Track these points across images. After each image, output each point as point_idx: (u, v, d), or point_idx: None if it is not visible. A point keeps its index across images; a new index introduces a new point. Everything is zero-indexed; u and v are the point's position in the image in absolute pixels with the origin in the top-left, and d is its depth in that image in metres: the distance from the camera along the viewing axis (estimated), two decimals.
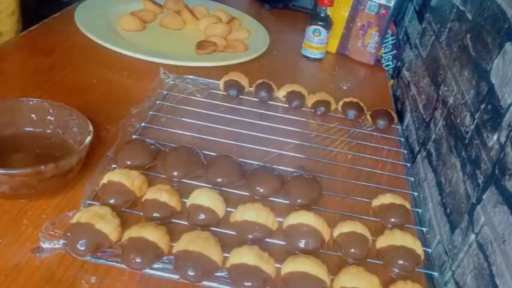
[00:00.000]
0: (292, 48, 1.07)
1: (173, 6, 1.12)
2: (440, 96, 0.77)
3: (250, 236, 0.54)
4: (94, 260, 0.49)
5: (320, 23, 1.00)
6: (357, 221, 0.58)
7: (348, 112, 0.82)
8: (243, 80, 0.84)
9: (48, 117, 0.62)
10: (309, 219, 0.55)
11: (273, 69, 0.97)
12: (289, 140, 0.74)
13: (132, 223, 0.52)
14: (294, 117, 0.81)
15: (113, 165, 0.61)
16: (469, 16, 0.73)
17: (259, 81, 0.84)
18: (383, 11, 0.99)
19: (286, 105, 0.83)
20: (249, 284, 0.48)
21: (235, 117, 0.77)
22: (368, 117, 0.83)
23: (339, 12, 1.04)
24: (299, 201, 0.60)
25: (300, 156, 0.71)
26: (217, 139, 0.70)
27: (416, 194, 0.68)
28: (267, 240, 0.56)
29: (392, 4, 0.98)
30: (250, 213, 0.55)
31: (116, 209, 0.54)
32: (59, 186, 0.56)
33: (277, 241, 0.56)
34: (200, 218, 0.55)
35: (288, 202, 0.61)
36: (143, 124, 0.70)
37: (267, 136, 0.74)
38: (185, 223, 0.55)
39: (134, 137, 0.67)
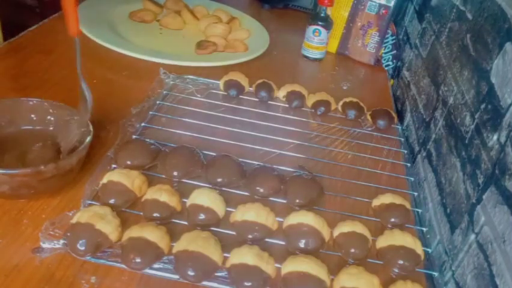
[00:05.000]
0: (292, 48, 1.07)
1: (174, 6, 1.12)
2: (440, 96, 0.77)
3: (250, 236, 0.54)
4: (94, 260, 0.49)
5: (320, 23, 1.00)
6: (357, 221, 0.58)
7: (348, 112, 0.82)
8: (243, 80, 0.83)
9: (48, 117, 0.62)
10: (309, 219, 0.55)
11: (273, 69, 0.97)
12: (289, 140, 0.74)
13: (132, 223, 0.52)
14: (294, 117, 0.81)
15: (113, 165, 0.61)
16: (469, 16, 0.73)
17: (259, 81, 0.84)
18: (383, 11, 0.99)
19: (286, 105, 0.83)
20: (249, 284, 0.48)
21: (235, 117, 0.77)
22: (368, 117, 0.83)
23: (339, 12, 1.04)
24: (297, 201, 0.60)
25: (300, 156, 0.71)
26: (217, 139, 0.70)
27: (416, 194, 0.68)
28: (267, 240, 0.56)
29: (392, 4, 0.98)
30: (250, 213, 0.55)
31: (116, 209, 0.54)
32: (59, 186, 0.56)
33: (277, 241, 0.56)
34: (200, 218, 0.55)
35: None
36: (143, 124, 0.70)
37: (267, 136, 0.74)
38: (185, 223, 0.55)
39: (134, 137, 0.67)
